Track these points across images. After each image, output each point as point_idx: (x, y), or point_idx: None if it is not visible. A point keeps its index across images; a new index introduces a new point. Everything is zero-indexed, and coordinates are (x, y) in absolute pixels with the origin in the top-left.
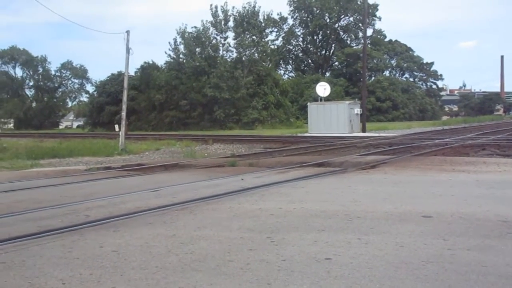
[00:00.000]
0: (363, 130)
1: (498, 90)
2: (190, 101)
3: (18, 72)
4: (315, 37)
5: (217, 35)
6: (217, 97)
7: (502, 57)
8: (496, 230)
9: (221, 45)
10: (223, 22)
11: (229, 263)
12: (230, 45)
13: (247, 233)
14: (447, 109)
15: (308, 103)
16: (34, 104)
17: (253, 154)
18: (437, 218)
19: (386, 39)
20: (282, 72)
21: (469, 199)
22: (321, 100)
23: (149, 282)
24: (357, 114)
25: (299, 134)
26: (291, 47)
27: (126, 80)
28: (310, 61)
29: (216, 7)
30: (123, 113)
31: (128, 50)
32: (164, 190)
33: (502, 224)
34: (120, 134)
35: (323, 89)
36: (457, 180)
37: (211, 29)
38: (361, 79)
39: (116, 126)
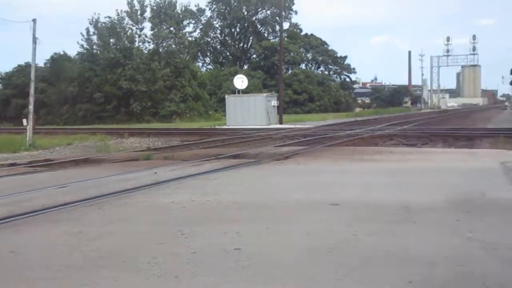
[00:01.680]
0: (280, 122)
1: (407, 83)
2: (104, 94)
3: None
4: (233, 30)
5: (133, 25)
6: (133, 89)
7: (409, 52)
8: (398, 215)
9: (137, 36)
10: (139, 13)
11: (137, 258)
12: (146, 36)
13: (157, 227)
14: (360, 101)
15: (226, 96)
16: None
17: (169, 147)
18: (344, 205)
19: (302, 33)
20: (200, 64)
21: (375, 187)
22: (239, 92)
23: (50, 282)
24: (274, 106)
25: (217, 127)
26: (209, 39)
27: (33, 71)
28: (228, 53)
29: None
30: (31, 107)
31: (34, 40)
32: (73, 186)
33: (404, 209)
34: (28, 128)
35: (240, 81)
36: (365, 169)
37: (127, 19)
38: (278, 72)
39: (24, 121)
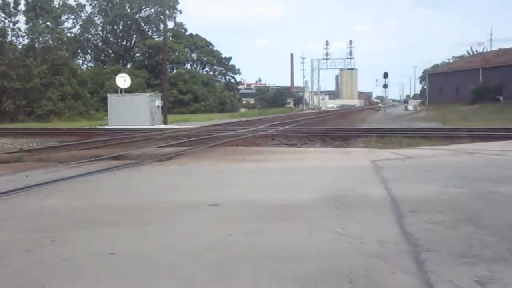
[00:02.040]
0: (165, 122)
1: (290, 85)
2: None
3: None
4: (115, 27)
5: (5, 18)
6: (6, 86)
7: (292, 54)
8: (274, 214)
9: (10, 30)
10: (12, 5)
11: (3, 267)
12: (20, 31)
13: (26, 234)
14: (244, 102)
15: (108, 95)
16: None
17: (44, 149)
18: (224, 206)
19: (187, 33)
20: (80, 62)
21: (256, 187)
22: (121, 91)
23: None
24: (158, 106)
25: (98, 127)
26: (90, 36)
27: None
28: (110, 51)
29: None
30: None
31: None
32: None
33: (281, 208)
34: None
35: (123, 80)
36: (246, 168)
37: None
38: (163, 72)
39: None
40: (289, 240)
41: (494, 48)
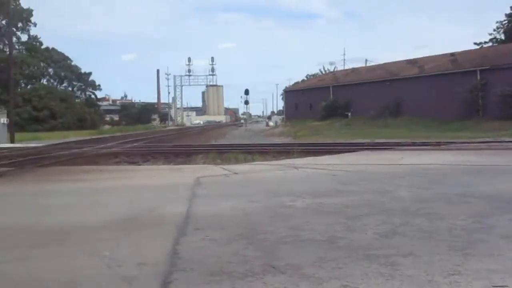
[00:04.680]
0: (11, 141)
1: (156, 101)
2: None
3: None
4: None
5: None
6: None
7: (158, 70)
8: (51, 238)
9: None
10: None
11: None
12: None
13: None
14: (108, 119)
15: None
16: None
17: None
18: (2, 231)
19: (43, 47)
20: None
21: (51, 209)
22: None
23: None
24: (3, 124)
25: None
26: None
27: None
28: None
29: None
30: None
31: None
32: None
33: (62, 232)
34: None
35: None
36: (57, 190)
37: None
38: (10, 88)
39: None
40: (45, 267)
41: (347, 67)
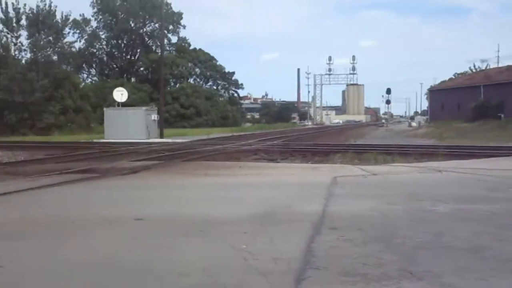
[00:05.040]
0: (161, 136)
1: (296, 99)
2: None
3: None
4: (119, 41)
5: (8, 33)
6: (8, 100)
7: (298, 70)
8: (192, 229)
9: (12, 44)
10: (14, 20)
11: None
12: (23, 45)
13: None
14: (249, 117)
15: (105, 108)
16: None
17: (20, 162)
18: (149, 220)
19: (191, 48)
20: (85, 75)
21: (194, 201)
22: (118, 105)
23: None
24: (154, 120)
25: (94, 140)
26: (95, 50)
27: None
28: (114, 65)
29: (6, 3)
30: None
31: None
32: None
33: (203, 223)
34: None
35: (120, 94)
36: (200, 183)
37: (1, 26)
38: (160, 86)
39: None
40: (186, 255)
41: (501, 64)
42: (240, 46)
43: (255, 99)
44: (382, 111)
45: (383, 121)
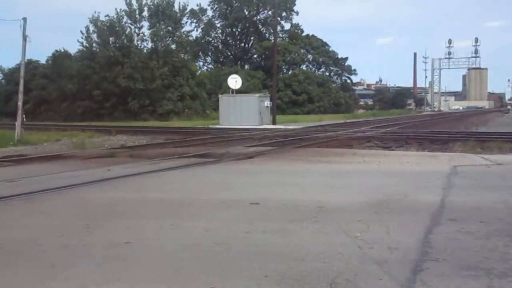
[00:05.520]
0: (273, 123)
1: (412, 85)
2: (103, 92)
3: None
4: (234, 30)
5: (131, 24)
6: (131, 87)
7: (415, 54)
8: (307, 215)
9: (135, 35)
10: (137, 12)
11: (23, 251)
12: (144, 35)
13: (68, 220)
14: (362, 103)
15: (220, 95)
16: None
17: (142, 146)
18: (263, 204)
19: (304, 34)
20: (201, 63)
21: (307, 188)
22: (232, 92)
23: None
24: (267, 106)
25: (210, 126)
26: (211, 39)
27: (22, 68)
28: (229, 53)
29: None
30: (20, 103)
31: (24, 37)
32: (22, 181)
33: (317, 209)
34: (16, 124)
35: (234, 81)
36: (313, 170)
37: (125, 18)
38: (273, 73)
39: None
40: (300, 240)
41: None
42: (354, 31)
43: (368, 85)
44: (508, 97)
45: (509, 107)
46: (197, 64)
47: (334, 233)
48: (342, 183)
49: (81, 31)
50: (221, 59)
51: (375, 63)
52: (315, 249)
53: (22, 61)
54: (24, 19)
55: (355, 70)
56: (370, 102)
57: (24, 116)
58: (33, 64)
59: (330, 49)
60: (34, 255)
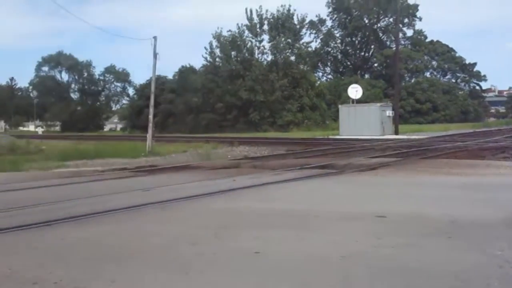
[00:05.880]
0: (396, 133)
1: None
2: (225, 104)
3: (64, 76)
4: (353, 39)
5: (252, 38)
6: (252, 100)
7: None
8: (438, 229)
9: (256, 48)
10: (258, 26)
11: (163, 256)
12: (265, 48)
13: (195, 230)
14: (493, 111)
15: (340, 105)
16: (79, 108)
17: (264, 157)
18: (390, 218)
19: (427, 40)
20: (320, 74)
21: (437, 201)
22: (353, 102)
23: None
24: (389, 116)
25: (330, 137)
26: (330, 49)
27: (153, 84)
28: (348, 63)
29: (251, 10)
30: (150, 116)
31: (155, 55)
32: (155, 190)
33: (448, 224)
34: (148, 136)
35: (355, 91)
36: (442, 182)
37: (246, 32)
38: (394, 81)
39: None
40: (434, 257)
41: None
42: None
43: (500, 92)
44: None
45: None
46: (316, 74)
47: (470, 250)
48: (476, 197)
49: (205, 47)
50: (341, 69)
51: (508, 68)
52: (450, 267)
53: (153, 76)
54: (155, 38)
55: (484, 76)
56: (502, 109)
57: (154, 128)
58: (161, 80)
59: (457, 54)
60: (172, 260)
